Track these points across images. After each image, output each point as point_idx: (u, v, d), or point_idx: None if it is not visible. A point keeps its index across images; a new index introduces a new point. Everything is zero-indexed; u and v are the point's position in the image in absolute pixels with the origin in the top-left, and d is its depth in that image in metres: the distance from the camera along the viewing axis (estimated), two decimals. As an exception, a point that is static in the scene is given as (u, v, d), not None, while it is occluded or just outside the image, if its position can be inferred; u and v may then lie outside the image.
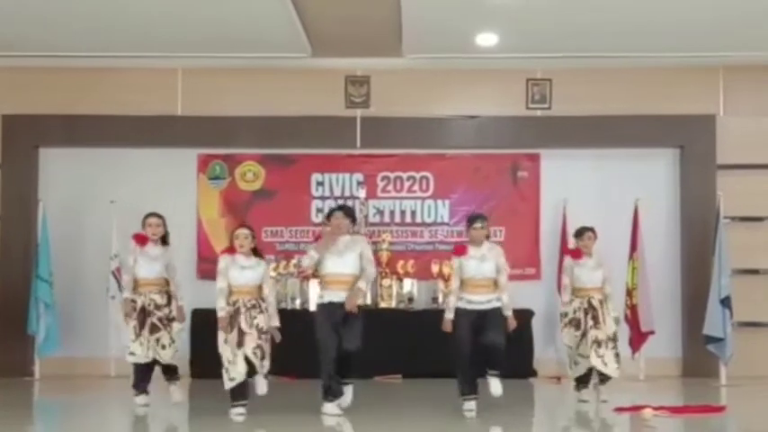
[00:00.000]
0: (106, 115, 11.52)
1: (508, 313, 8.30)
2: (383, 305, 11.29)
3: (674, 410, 8.24)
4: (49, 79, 11.57)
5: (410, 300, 11.43)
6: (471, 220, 8.52)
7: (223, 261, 8.24)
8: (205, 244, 11.77)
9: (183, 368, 10.76)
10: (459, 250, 8.46)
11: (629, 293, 11.08)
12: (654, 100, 11.57)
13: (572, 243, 9.56)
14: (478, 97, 11.80)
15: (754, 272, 11.28)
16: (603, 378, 9.03)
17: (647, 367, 10.92)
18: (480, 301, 8.26)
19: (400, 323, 11.02)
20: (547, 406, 9.21)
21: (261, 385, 8.21)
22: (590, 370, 9.01)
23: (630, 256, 11.12)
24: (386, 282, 11.36)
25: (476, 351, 8.22)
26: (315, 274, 9.72)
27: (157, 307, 8.75)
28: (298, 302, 11.30)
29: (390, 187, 11.91)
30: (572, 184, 11.58)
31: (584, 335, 8.92)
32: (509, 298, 8.33)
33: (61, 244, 11.30)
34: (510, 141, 11.76)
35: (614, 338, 8.96)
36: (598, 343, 8.86)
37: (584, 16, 9.90)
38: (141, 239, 8.90)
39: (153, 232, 8.91)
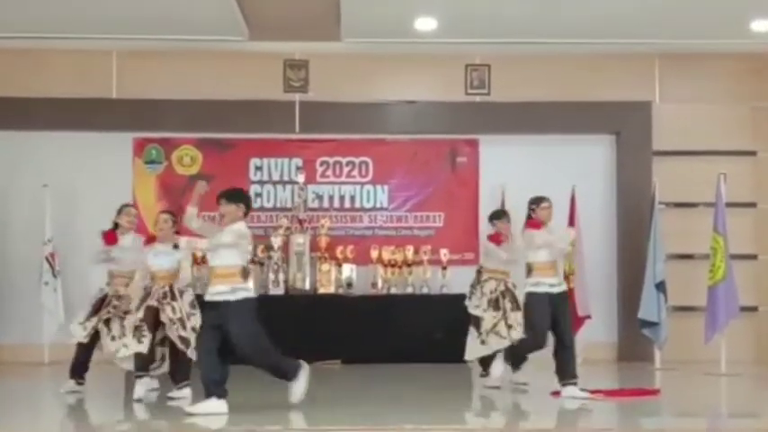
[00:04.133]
0: (39, 97, 11.29)
1: None
2: (322, 290, 11.25)
3: (610, 394, 8.32)
4: (-20, 61, 11.33)
5: (349, 285, 11.40)
6: (538, 199, 8.53)
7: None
8: (141, 229, 11.58)
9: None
10: (535, 224, 8.43)
11: (566, 278, 11.14)
12: (591, 87, 11.67)
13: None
14: (417, 82, 11.79)
15: (689, 257, 11.43)
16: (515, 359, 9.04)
17: (583, 351, 11.01)
18: (552, 283, 8.29)
19: (339, 308, 11.00)
20: (482, 390, 9.22)
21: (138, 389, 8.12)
22: (495, 352, 9.02)
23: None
24: (325, 267, 11.32)
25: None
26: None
27: (119, 297, 8.68)
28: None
29: (329, 172, 11.86)
30: (510, 170, 11.62)
31: (503, 315, 8.97)
32: None
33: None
34: (449, 127, 11.78)
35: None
36: (511, 326, 8.91)
37: (522, 3, 9.93)
38: (110, 238, 8.84)
39: (129, 221, 8.94)
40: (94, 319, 8.56)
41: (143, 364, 8.11)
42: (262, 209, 11.68)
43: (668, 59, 11.73)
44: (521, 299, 8.90)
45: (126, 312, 8.51)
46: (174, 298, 8.13)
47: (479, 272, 9.35)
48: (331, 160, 11.86)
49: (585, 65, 11.67)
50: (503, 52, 11.54)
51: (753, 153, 11.77)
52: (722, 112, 11.78)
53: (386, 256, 11.46)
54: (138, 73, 11.51)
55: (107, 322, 8.55)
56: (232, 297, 7.29)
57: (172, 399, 8.03)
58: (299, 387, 7.54)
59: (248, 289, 7.43)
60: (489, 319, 9.02)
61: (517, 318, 8.90)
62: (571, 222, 11.21)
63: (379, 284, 11.42)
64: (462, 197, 11.77)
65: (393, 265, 11.43)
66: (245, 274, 7.43)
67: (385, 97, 11.78)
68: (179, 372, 8.16)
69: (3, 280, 11.21)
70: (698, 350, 10.81)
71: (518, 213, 11.37)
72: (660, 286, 10.61)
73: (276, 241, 11.29)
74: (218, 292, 7.32)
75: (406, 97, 11.80)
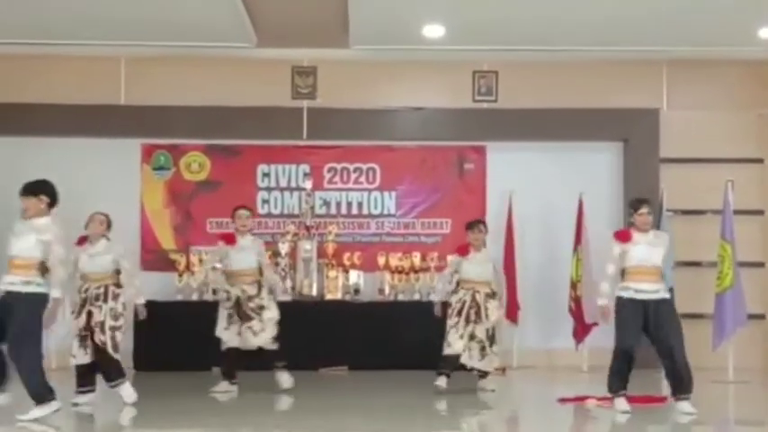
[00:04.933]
0: (48, 104, 11.32)
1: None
2: (329, 297, 11.26)
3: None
4: (-10, 67, 11.37)
5: (356, 291, 11.41)
6: (638, 204, 8.06)
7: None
8: (149, 235, 11.65)
9: (127, 360, 10.66)
10: (624, 236, 8.04)
11: (574, 286, 11.17)
12: (598, 93, 11.66)
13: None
14: (425, 89, 11.81)
15: (696, 264, 11.41)
16: (480, 373, 9.13)
17: (590, 358, 11.01)
18: (649, 290, 7.87)
19: (346, 315, 11.00)
20: (492, 397, 9.23)
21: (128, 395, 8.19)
22: (456, 358, 9.01)
23: (575, 249, 11.21)
24: (332, 273, 11.34)
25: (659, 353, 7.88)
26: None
27: (249, 297, 8.99)
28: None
29: (337, 178, 11.87)
30: (518, 177, 11.63)
31: (465, 324, 8.99)
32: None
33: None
34: (456, 133, 11.79)
35: (487, 336, 9.05)
36: (471, 336, 8.95)
37: (530, 10, 9.93)
38: (229, 237, 9.18)
39: (243, 224, 9.20)
40: (236, 320, 8.93)
41: None
42: (269, 215, 11.69)
43: (676, 66, 11.72)
44: (490, 312, 8.99)
45: (261, 308, 8.94)
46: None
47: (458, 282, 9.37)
48: (338, 166, 11.88)
49: (593, 72, 11.67)
50: (510, 59, 11.55)
51: (760, 161, 11.76)
52: (730, 119, 11.77)
53: (393, 262, 11.46)
54: (147, 79, 11.54)
55: (246, 319, 8.93)
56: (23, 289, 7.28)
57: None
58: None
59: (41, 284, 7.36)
60: (450, 325, 9.07)
61: (473, 330, 8.94)
62: (578, 229, 11.23)
63: (387, 291, 11.42)
64: (470, 204, 11.76)
65: (400, 272, 11.43)
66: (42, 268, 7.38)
67: (392, 104, 11.80)
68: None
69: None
70: (705, 357, 10.76)
71: (525, 220, 11.52)
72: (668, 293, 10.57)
73: (283, 247, 11.31)
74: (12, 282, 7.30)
75: (414, 104, 11.81)
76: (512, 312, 11.31)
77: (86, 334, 8.07)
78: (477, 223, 9.32)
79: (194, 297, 11.18)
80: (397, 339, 10.64)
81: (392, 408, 8.27)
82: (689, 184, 11.51)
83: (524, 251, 11.51)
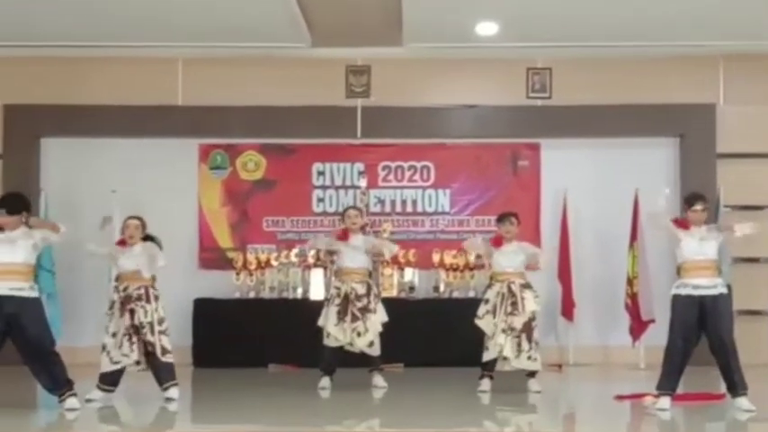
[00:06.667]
0: (108, 105, 11.52)
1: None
2: (384, 294, 11.31)
3: (675, 398, 8.26)
4: (52, 69, 11.57)
5: (411, 289, 11.46)
6: (693, 199, 7.94)
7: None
8: (207, 234, 11.79)
9: (186, 357, 10.85)
10: (682, 223, 7.91)
11: (630, 282, 11.12)
12: (654, 89, 11.57)
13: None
14: (479, 87, 11.81)
15: (755, 260, 11.31)
16: (528, 372, 8.95)
17: (647, 355, 10.94)
18: (706, 285, 7.74)
19: (401, 312, 11.02)
20: (548, 394, 9.23)
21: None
22: (496, 359, 8.89)
23: (631, 245, 11.16)
24: (387, 271, 11.40)
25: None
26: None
27: (358, 297, 9.08)
28: (299, 292, 11.32)
29: (391, 177, 11.92)
30: (572, 174, 11.60)
31: (498, 320, 8.84)
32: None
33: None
34: (510, 131, 11.77)
35: (524, 329, 8.84)
36: (510, 329, 8.81)
37: (584, 5, 9.92)
38: (343, 234, 9.30)
39: (353, 222, 9.30)
40: (347, 319, 9.02)
41: None
42: (324, 213, 11.78)
43: (733, 61, 11.59)
44: (527, 302, 8.84)
45: (368, 310, 9.07)
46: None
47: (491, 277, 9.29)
48: (393, 165, 11.93)
49: (648, 67, 11.58)
50: (564, 55, 11.52)
51: (819, 155, 11.61)
52: (787, 113, 11.63)
53: (447, 260, 11.49)
54: (203, 80, 11.67)
55: (354, 319, 9.02)
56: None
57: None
58: None
59: None
60: (489, 327, 8.93)
61: (512, 322, 8.80)
62: (634, 225, 11.17)
63: (441, 288, 11.46)
64: (524, 201, 11.71)
65: (455, 269, 11.46)
66: None
67: (446, 102, 11.82)
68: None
69: (74, 285, 11.41)
70: (764, 354, 10.69)
71: (580, 216, 11.48)
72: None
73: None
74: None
75: (468, 101, 11.82)
76: (567, 309, 11.30)
77: (132, 332, 8.15)
78: (508, 216, 9.24)
79: (251, 295, 11.32)
80: (452, 336, 10.67)
81: (444, 404, 8.31)
82: (746, 180, 11.39)
83: (579, 248, 11.48)
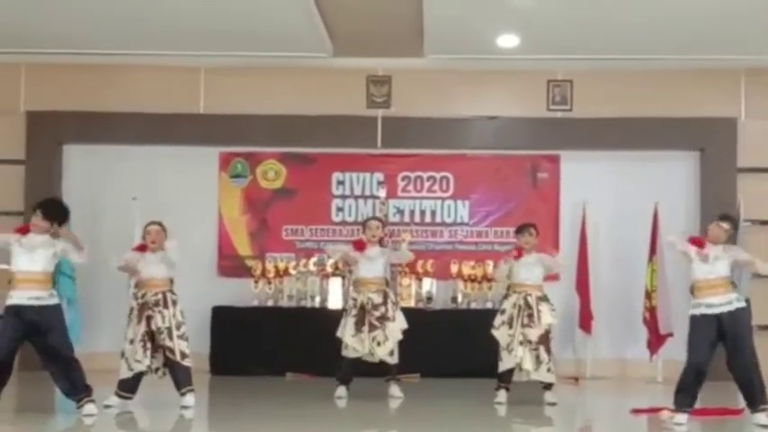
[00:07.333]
0: (130, 113, 11.60)
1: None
2: (402, 304, 11.30)
3: (692, 413, 8.22)
4: (74, 76, 11.67)
5: (429, 299, 11.47)
6: (723, 217, 7.94)
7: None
8: (226, 242, 11.84)
9: (204, 364, 10.90)
10: (698, 242, 7.89)
11: (649, 296, 11.09)
12: (675, 102, 11.55)
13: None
14: (499, 98, 11.83)
15: (774, 275, 11.24)
16: (544, 384, 8.93)
17: (665, 369, 10.90)
18: (720, 303, 7.69)
19: (419, 322, 11.02)
20: (565, 406, 9.22)
21: None
22: (512, 370, 8.90)
23: (650, 259, 11.12)
24: (405, 281, 11.42)
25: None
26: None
27: (375, 306, 9.09)
28: (317, 300, 11.35)
29: (411, 187, 11.94)
30: (592, 186, 11.58)
31: (515, 332, 8.83)
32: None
33: (84, 240, 11.34)
34: (530, 142, 11.78)
35: (541, 341, 8.83)
36: (526, 341, 8.80)
37: (605, 18, 9.91)
38: (360, 245, 9.35)
39: (373, 234, 9.35)
40: (365, 329, 9.02)
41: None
42: (344, 223, 11.82)
43: (754, 75, 11.56)
44: (543, 314, 8.82)
45: (386, 319, 9.08)
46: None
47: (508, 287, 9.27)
48: (412, 175, 11.95)
49: (669, 80, 11.56)
50: (585, 68, 11.52)
51: (840, 170, 11.55)
52: (809, 128, 11.58)
53: (466, 270, 11.49)
54: (225, 88, 11.74)
55: (372, 329, 9.03)
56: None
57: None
58: None
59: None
60: (504, 338, 8.93)
61: (527, 334, 8.78)
62: (653, 239, 11.14)
63: (459, 299, 11.46)
64: (543, 213, 11.70)
65: (473, 280, 11.45)
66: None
67: (467, 113, 11.84)
68: None
69: (94, 290, 11.46)
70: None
71: (599, 229, 11.46)
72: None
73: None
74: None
75: (488, 113, 11.83)
76: (585, 322, 11.28)
77: (147, 339, 8.20)
78: (527, 227, 9.25)
79: (269, 303, 11.35)
80: (469, 347, 10.66)
81: (461, 415, 8.32)
82: (767, 195, 11.34)
83: (598, 261, 11.46)
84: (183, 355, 8.22)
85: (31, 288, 7.62)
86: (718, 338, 7.71)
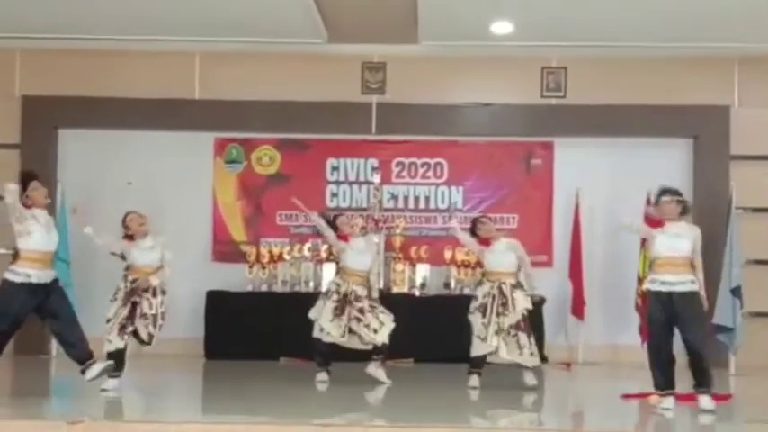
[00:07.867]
0: (125, 98, 11.62)
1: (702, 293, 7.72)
2: (395, 290, 11.39)
3: (681, 398, 8.29)
4: (70, 61, 11.70)
5: (422, 285, 11.52)
6: (659, 194, 7.89)
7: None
8: (221, 227, 11.88)
9: (198, 348, 10.97)
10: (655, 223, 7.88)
11: (641, 282, 11.09)
12: (668, 90, 11.59)
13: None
14: (493, 85, 11.86)
15: (765, 262, 11.31)
16: (523, 367, 8.97)
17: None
18: (673, 281, 7.64)
19: (412, 308, 11.11)
20: (557, 391, 9.29)
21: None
22: (485, 355, 8.94)
23: (642, 245, 11.15)
24: (399, 267, 11.47)
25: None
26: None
27: (357, 298, 9.15)
28: (311, 285, 11.40)
29: (405, 173, 11.98)
30: (585, 173, 11.62)
31: (489, 320, 8.86)
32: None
33: (79, 224, 11.40)
34: (524, 129, 11.82)
35: (518, 326, 8.87)
36: (501, 330, 8.83)
37: (599, 5, 9.95)
38: (344, 237, 9.36)
39: (350, 227, 9.43)
40: (344, 318, 9.04)
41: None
42: (338, 208, 11.83)
43: (748, 63, 11.60)
44: (517, 302, 8.84)
45: (373, 308, 9.13)
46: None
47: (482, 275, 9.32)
48: (406, 161, 11.99)
49: (663, 68, 11.59)
50: (579, 55, 11.55)
51: (833, 158, 11.60)
52: (802, 116, 11.63)
53: (459, 257, 11.53)
54: (220, 75, 11.77)
55: (358, 320, 9.08)
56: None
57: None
58: None
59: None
60: (477, 324, 8.97)
61: (502, 323, 8.82)
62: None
63: (452, 285, 11.52)
64: (537, 199, 11.79)
65: (466, 266, 11.50)
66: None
67: (461, 100, 11.87)
68: None
69: (88, 276, 11.47)
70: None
71: (592, 216, 11.51)
72: (736, 291, 10.53)
73: (351, 240, 11.46)
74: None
75: (482, 100, 11.87)
76: (578, 308, 11.34)
77: (127, 323, 8.33)
78: (479, 217, 9.38)
79: (264, 288, 11.41)
80: (461, 332, 10.69)
81: (454, 400, 8.37)
82: (759, 182, 11.39)
83: (591, 247, 11.52)
84: (151, 338, 8.39)
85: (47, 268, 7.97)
86: (670, 318, 7.62)
